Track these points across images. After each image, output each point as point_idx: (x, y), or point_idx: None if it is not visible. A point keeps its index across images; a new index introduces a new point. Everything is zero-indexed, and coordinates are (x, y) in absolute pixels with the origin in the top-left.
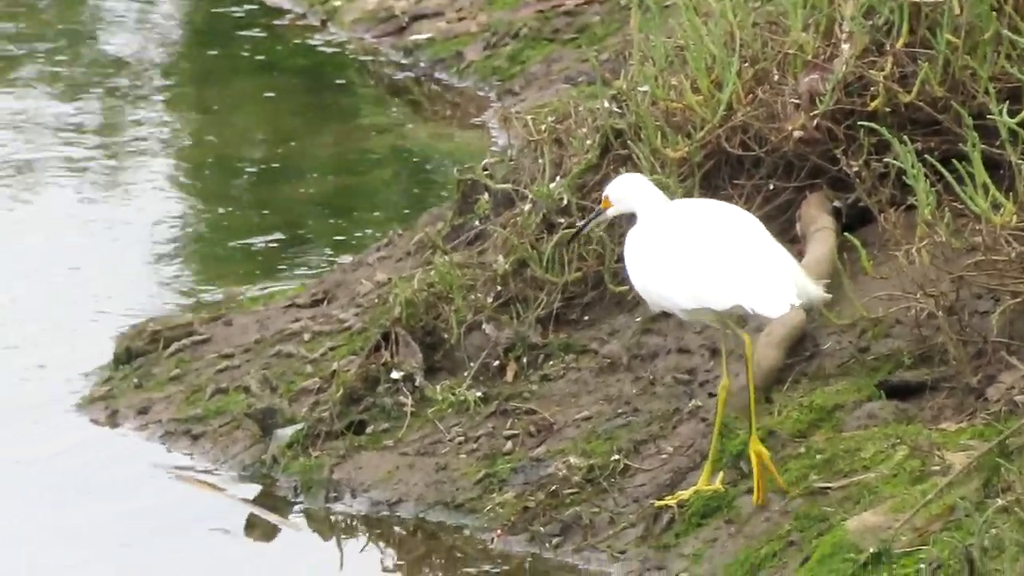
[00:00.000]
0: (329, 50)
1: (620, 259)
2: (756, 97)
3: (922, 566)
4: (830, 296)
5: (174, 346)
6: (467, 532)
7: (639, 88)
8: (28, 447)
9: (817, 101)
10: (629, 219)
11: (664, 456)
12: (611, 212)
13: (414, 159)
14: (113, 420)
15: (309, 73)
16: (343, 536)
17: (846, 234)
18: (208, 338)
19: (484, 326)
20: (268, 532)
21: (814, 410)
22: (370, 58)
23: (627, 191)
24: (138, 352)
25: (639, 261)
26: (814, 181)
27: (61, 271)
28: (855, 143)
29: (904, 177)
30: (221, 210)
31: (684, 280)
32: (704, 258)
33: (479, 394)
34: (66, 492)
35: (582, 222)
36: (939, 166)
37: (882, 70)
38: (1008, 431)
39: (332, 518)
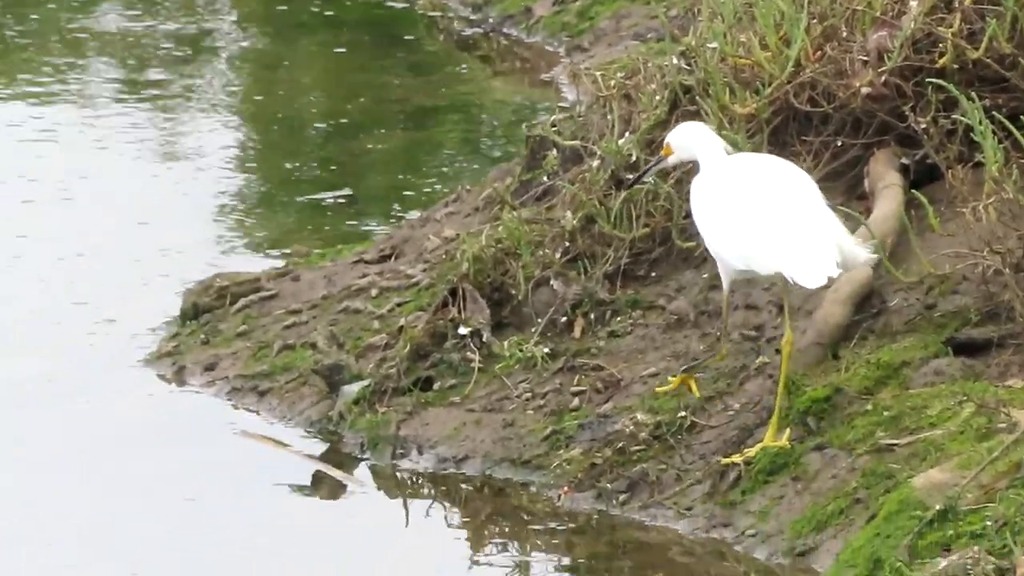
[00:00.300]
0: (398, 5)
1: (688, 215)
2: (824, 54)
3: (988, 523)
4: (877, 257)
5: (241, 302)
6: (533, 489)
7: (708, 44)
8: (95, 402)
9: (885, 58)
10: (692, 172)
11: (731, 413)
12: (671, 160)
13: (482, 115)
14: (180, 376)
15: (378, 28)
16: (409, 493)
17: (913, 191)
18: (275, 294)
19: (552, 282)
20: (334, 489)
21: (881, 367)
22: (439, 14)
23: (689, 139)
24: (205, 308)
25: (701, 216)
26: (882, 138)
27: (129, 227)
28: (923, 100)
29: (972, 134)
30: (289, 165)
31: (734, 241)
32: (752, 221)
33: (546, 350)
34: (132, 447)
35: (643, 169)
36: (1007, 123)
37: (950, 27)
38: None
39: (398, 475)
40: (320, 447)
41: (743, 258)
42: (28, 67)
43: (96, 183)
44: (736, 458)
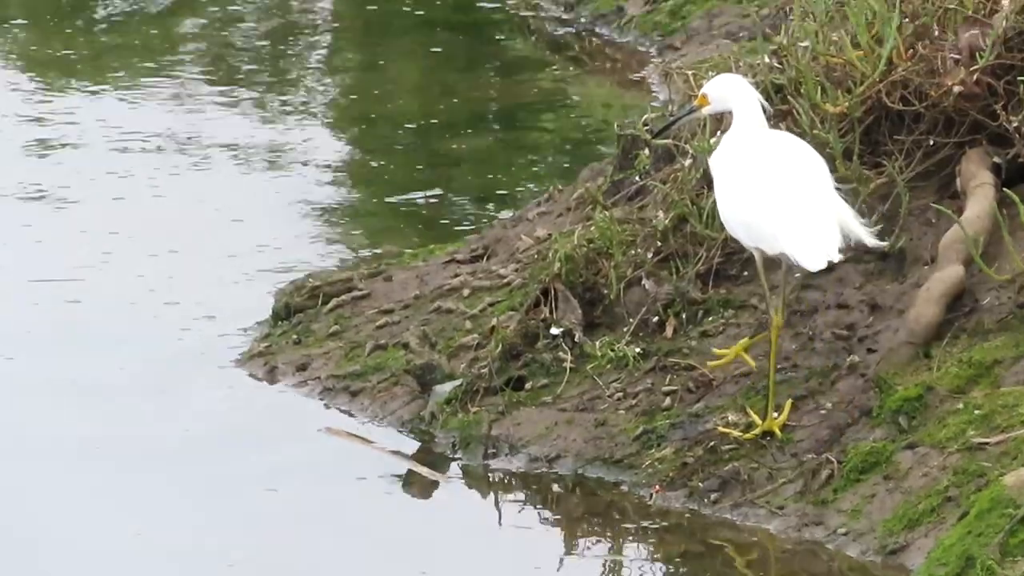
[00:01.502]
0: (489, 5)
1: None
2: (916, 52)
3: None
4: (885, 244)
5: (333, 302)
6: (625, 488)
7: (799, 43)
8: (187, 402)
9: (977, 56)
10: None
11: (823, 412)
12: (706, 111)
13: (574, 114)
14: (272, 376)
15: (469, 28)
16: (501, 492)
17: (1005, 190)
18: (367, 294)
19: (643, 282)
20: (426, 487)
21: (972, 365)
22: (531, 13)
23: (728, 90)
24: (297, 308)
25: (718, 185)
26: (974, 137)
27: (223, 226)
28: (1015, 98)
29: None
30: (382, 165)
31: (741, 217)
32: (759, 198)
33: (638, 350)
34: (223, 447)
35: (673, 116)
36: None
37: None
38: None
39: (490, 474)
40: (412, 447)
41: (749, 237)
42: (118, 65)
43: (187, 181)
44: (734, 432)
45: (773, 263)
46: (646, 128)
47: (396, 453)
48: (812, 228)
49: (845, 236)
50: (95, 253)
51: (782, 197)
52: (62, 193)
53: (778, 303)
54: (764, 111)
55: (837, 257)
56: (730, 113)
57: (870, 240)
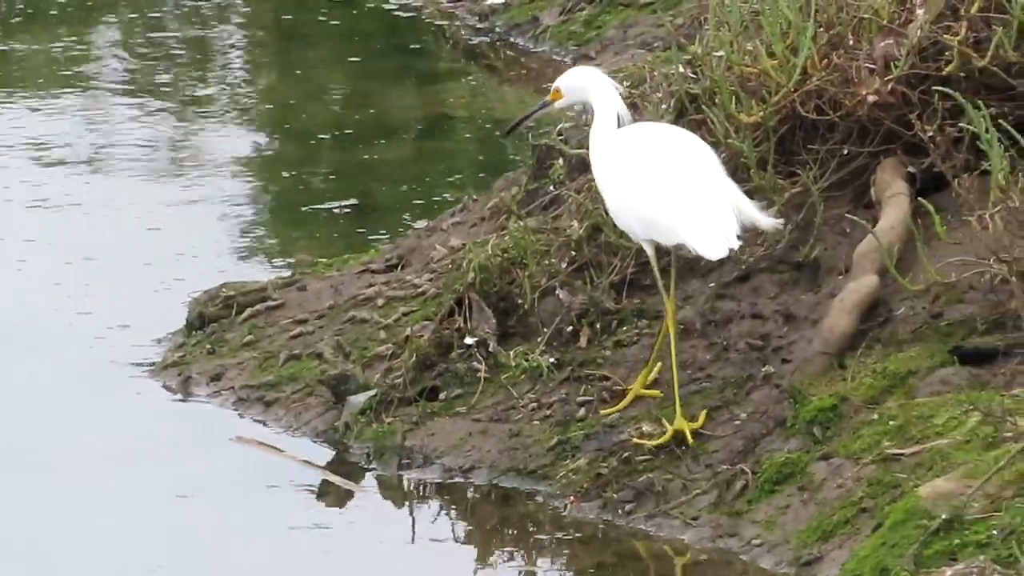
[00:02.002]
0: (405, 14)
1: None
2: (831, 62)
3: (994, 532)
4: (782, 223)
5: (247, 312)
6: (540, 499)
7: (714, 53)
8: (99, 412)
9: (892, 66)
10: None
11: (737, 422)
12: (559, 104)
13: (489, 124)
14: (186, 387)
15: (385, 37)
16: (416, 503)
17: (920, 199)
18: (282, 304)
19: (558, 291)
20: (340, 498)
21: (887, 376)
22: (446, 22)
23: (584, 82)
24: (211, 318)
25: (603, 180)
26: (889, 146)
27: (136, 235)
28: (929, 108)
29: (978, 142)
30: (297, 174)
31: (637, 212)
32: (655, 192)
33: (552, 360)
34: (135, 457)
35: (525, 112)
36: (1013, 131)
37: (956, 35)
38: None
39: (405, 485)
40: (326, 457)
41: (645, 229)
42: (34, 73)
43: (102, 188)
44: (646, 441)
45: (665, 253)
46: (560, 137)
47: (308, 463)
48: (710, 217)
49: (741, 221)
50: (10, 261)
51: (677, 187)
52: None
53: (669, 291)
54: (623, 100)
55: (737, 244)
56: (586, 105)
57: (765, 221)
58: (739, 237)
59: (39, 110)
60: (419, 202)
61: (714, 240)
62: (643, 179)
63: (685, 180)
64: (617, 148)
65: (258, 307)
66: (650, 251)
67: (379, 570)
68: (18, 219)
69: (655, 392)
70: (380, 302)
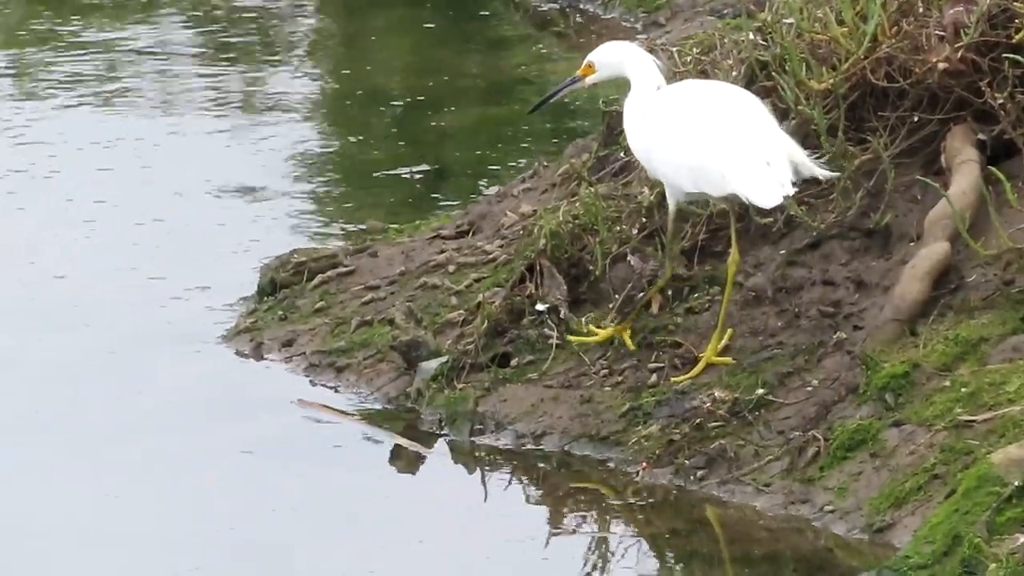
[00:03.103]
0: None
1: None
2: (901, 29)
3: None
4: (836, 175)
5: (319, 278)
6: (612, 465)
7: (784, 20)
8: (172, 378)
9: (962, 33)
10: None
11: (809, 389)
12: (590, 80)
13: None
14: (258, 352)
15: (454, 5)
16: (487, 469)
17: (991, 167)
18: (353, 270)
19: (629, 258)
20: (412, 463)
21: (959, 343)
22: None
23: (619, 56)
24: (283, 284)
25: (643, 138)
26: (959, 113)
27: (208, 201)
28: (1000, 75)
29: None
30: (367, 141)
31: (684, 163)
32: (702, 143)
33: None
34: (207, 422)
35: (553, 88)
36: None
37: None
38: None
39: (476, 451)
40: (398, 423)
41: (694, 180)
42: (102, 27)
43: (173, 158)
44: (683, 377)
45: (685, 217)
46: None
47: (383, 428)
48: (762, 164)
49: (796, 171)
50: (81, 224)
51: (728, 136)
52: (49, 164)
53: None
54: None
55: (792, 191)
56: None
57: (821, 172)
58: (794, 184)
59: (104, 66)
60: (490, 168)
61: (767, 187)
62: (689, 127)
63: (733, 127)
64: (659, 103)
65: (329, 273)
66: (673, 209)
67: (451, 534)
68: (88, 181)
69: (727, 360)
70: (451, 268)
